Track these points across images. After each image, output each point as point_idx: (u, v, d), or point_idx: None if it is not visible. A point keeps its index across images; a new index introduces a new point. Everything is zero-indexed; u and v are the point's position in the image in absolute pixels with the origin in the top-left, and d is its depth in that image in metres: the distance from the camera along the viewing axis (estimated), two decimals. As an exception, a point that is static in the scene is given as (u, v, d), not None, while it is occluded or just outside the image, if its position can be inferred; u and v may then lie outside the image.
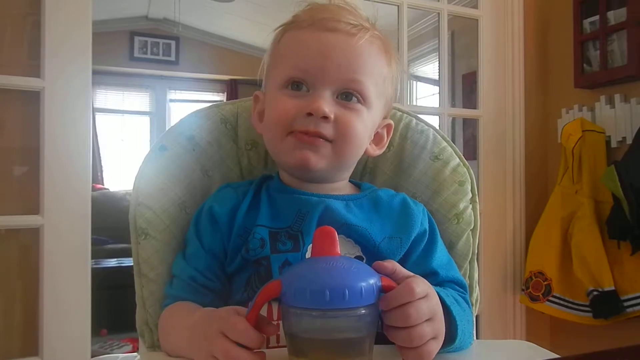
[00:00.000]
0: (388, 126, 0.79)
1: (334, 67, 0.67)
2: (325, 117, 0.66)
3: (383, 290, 0.49)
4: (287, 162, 0.71)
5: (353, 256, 0.69)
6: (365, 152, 0.76)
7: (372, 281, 0.48)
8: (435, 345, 0.53)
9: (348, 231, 0.69)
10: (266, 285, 0.49)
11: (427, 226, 0.74)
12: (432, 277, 0.69)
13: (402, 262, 0.70)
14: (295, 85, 0.69)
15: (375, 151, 0.78)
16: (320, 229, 0.52)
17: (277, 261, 0.67)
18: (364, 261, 0.69)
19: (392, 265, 0.54)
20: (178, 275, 0.71)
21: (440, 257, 0.73)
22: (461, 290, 0.72)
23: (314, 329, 0.48)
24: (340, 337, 0.49)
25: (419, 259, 0.71)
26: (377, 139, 0.77)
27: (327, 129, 0.67)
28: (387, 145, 0.80)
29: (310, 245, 0.68)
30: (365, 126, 0.71)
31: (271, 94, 0.72)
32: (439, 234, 0.76)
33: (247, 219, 0.71)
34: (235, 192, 0.75)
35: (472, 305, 0.81)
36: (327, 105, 0.66)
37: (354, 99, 0.69)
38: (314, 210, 0.70)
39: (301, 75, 0.68)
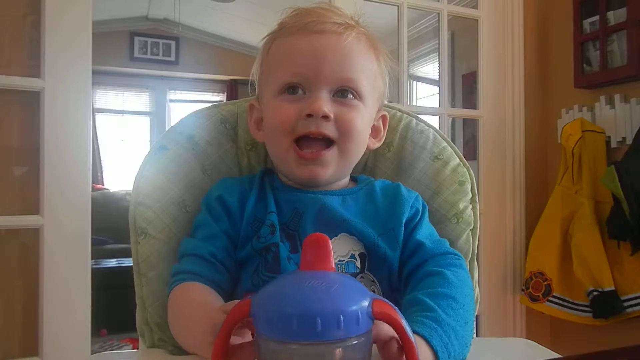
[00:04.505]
0: (383, 117, 0.80)
1: (328, 68, 0.68)
2: (325, 117, 0.67)
3: (375, 316, 0.40)
4: (295, 174, 0.71)
5: (357, 253, 0.68)
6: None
7: (356, 307, 0.38)
8: None
9: (348, 227, 0.69)
10: (237, 305, 0.42)
11: (417, 207, 0.73)
12: (420, 249, 0.68)
13: (403, 250, 0.69)
14: (292, 89, 0.69)
15: (375, 144, 0.79)
16: (310, 237, 0.44)
17: (285, 250, 0.67)
18: (367, 258, 0.69)
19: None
20: (192, 253, 0.69)
21: (428, 232, 0.72)
22: (458, 258, 0.69)
23: None
24: None
25: (408, 235, 0.70)
26: (374, 131, 0.78)
27: (328, 128, 0.68)
28: (384, 137, 0.81)
29: None
30: (364, 121, 0.72)
31: (269, 101, 0.72)
32: (427, 215, 0.75)
33: (257, 209, 0.71)
34: (240, 181, 0.76)
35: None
36: (326, 104, 0.67)
37: (350, 95, 0.70)
38: (310, 208, 0.70)
39: (296, 79, 0.69)
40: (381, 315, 0.40)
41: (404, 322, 0.41)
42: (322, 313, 0.37)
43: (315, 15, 0.71)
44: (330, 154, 0.69)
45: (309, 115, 0.67)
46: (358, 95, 0.70)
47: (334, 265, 0.43)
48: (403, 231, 0.70)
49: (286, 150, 0.69)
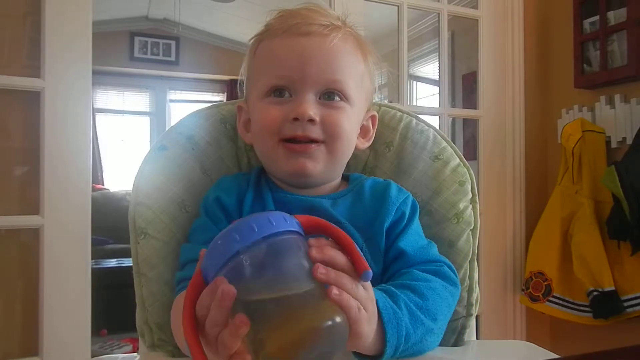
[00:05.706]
0: (372, 117, 0.80)
1: (314, 70, 0.68)
2: (311, 120, 0.67)
3: (301, 223, 0.47)
4: (283, 170, 0.71)
5: None
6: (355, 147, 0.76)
7: (282, 213, 0.46)
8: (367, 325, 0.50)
9: (343, 229, 0.68)
10: (192, 277, 0.47)
11: (405, 210, 0.72)
12: (402, 257, 0.67)
13: (385, 256, 0.69)
14: (278, 92, 0.69)
15: (364, 144, 0.79)
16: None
17: None
18: None
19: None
20: (195, 259, 0.68)
21: (412, 239, 0.70)
22: (440, 265, 0.68)
23: (250, 284, 0.43)
24: (283, 285, 0.43)
25: (391, 243, 0.69)
26: (363, 131, 0.78)
27: (315, 132, 0.68)
28: (373, 137, 0.80)
29: None
30: (351, 122, 0.72)
31: (255, 104, 0.72)
32: (417, 220, 0.74)
33: (254, 208, 0.71)
34: (237, 179, 0.75)
35: (472, 305, 0.81)
36: (312, 108, 0.67)
37: (337, 97, 0.70)
38: (300, 210, 0.69)
39: (282, 82, 0.69)
40: (306, 221, 0.48)
41: (328, 221, 0.48)
42: (254, 220, 0.44)
43: (300, 17, 0.70)
44: (319, 149, 0.69)
45: (295, 119, 0.67)
46: (344, 97, 0.70)
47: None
48: (385, 238, 0.69)
49: (274, 148, 0.69)
